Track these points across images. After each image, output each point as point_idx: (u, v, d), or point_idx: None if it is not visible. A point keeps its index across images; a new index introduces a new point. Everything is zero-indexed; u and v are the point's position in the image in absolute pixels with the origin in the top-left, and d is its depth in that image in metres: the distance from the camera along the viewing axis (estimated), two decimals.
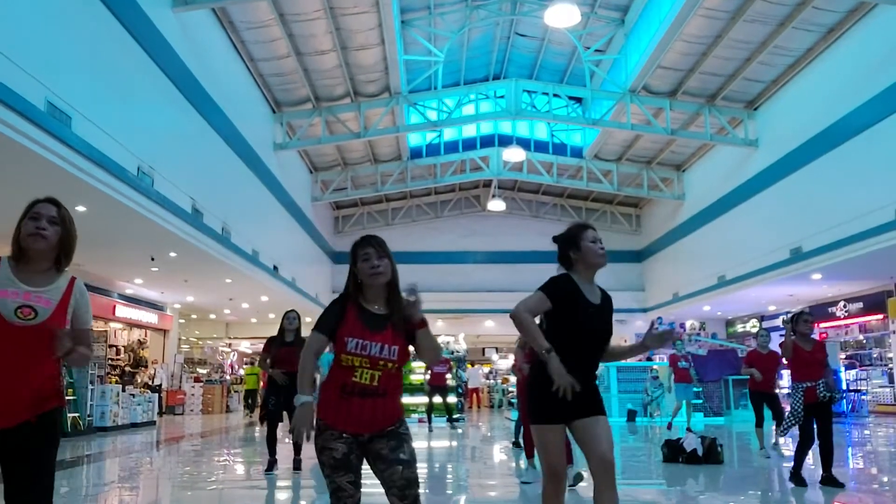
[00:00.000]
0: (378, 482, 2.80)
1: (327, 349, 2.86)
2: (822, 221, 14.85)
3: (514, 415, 16.93)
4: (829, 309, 19.69)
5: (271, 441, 7.58)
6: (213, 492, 6.81)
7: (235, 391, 23.67)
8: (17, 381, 2.55)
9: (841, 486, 6.26)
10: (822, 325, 20.11)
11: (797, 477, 6.47)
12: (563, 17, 13.73)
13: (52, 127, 8.27)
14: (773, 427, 9.40)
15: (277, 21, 14.52)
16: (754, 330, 23.14)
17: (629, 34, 17.70)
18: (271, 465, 7.50)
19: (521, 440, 10.55)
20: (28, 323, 2.56)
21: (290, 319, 7.55)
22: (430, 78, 18.45)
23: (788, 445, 9.26)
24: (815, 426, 6.37)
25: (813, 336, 6.76)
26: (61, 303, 2.66)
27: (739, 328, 24.87)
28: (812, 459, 8.53)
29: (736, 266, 18.79)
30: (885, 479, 7.39)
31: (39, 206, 2.69)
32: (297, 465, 7.56)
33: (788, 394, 6.56)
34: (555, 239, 3.44)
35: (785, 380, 12.75)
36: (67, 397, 11.80)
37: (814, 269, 15.68)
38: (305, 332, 7.49)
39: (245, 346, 29.51)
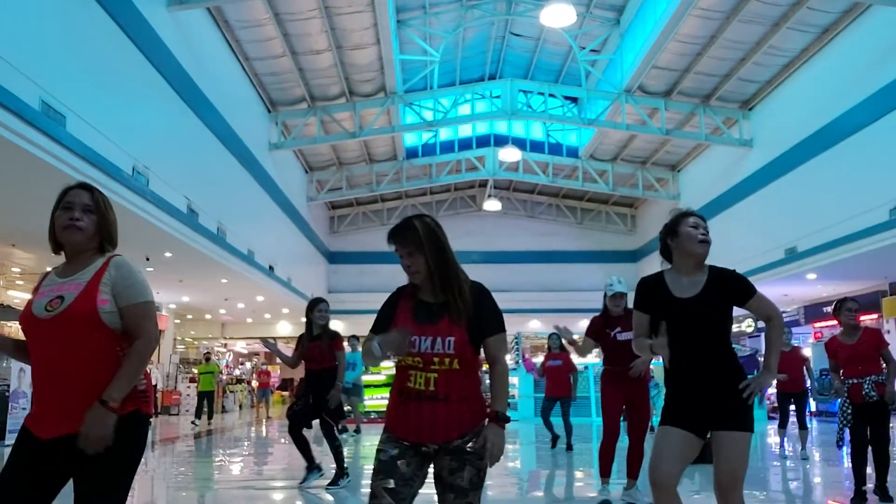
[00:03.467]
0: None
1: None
2: (816, 221, 14.88)
3: (512, 415, 16.93)
4: (824, 309, 19.73)
5: (298, 446, 6.52)
6: (208, 493, 6.78)
7: (231, 391, 23.60)
8: (59, 381, 2.24)
9: (890, 500, 5.45)
10: (817, 325, 20.17)
11: (860, 496, 5.42)
12: (558, 16, 13.73)
13: (47, 126, 8.24)
14: (799, 430, 8.94)
15: (272, 20, 14.49)
16: (749, 329, 23.20)
17: (624, 34, 17.72)
18: (310, 471, 6.53)
19: (556, 432, 10.27)
20: (53, 313, 2.27)
21: (322, 311, 6.44)
22: (425, 78, 18.44)
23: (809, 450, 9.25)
24: (866, 430, 5.53)
25: (859, 326, 5.78)
26: (90, 283, 2.33)
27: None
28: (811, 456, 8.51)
29: (730, 266, 18.32)
30: None
31: (71, 193, 2.46)
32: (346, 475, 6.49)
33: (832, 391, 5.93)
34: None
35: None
36: None
37: (808, 269, 15.72)
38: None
39: (241, 347, 29.47)
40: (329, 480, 6.44)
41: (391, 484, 2.37)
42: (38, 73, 8.28)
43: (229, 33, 14.98)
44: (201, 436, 13.60)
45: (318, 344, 6.37)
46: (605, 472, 5.63)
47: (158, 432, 14.59)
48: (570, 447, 9.88)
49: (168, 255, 13.87)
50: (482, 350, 2.52)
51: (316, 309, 6.45)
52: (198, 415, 17.20)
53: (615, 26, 17.82)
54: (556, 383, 10.32)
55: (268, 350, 6.78)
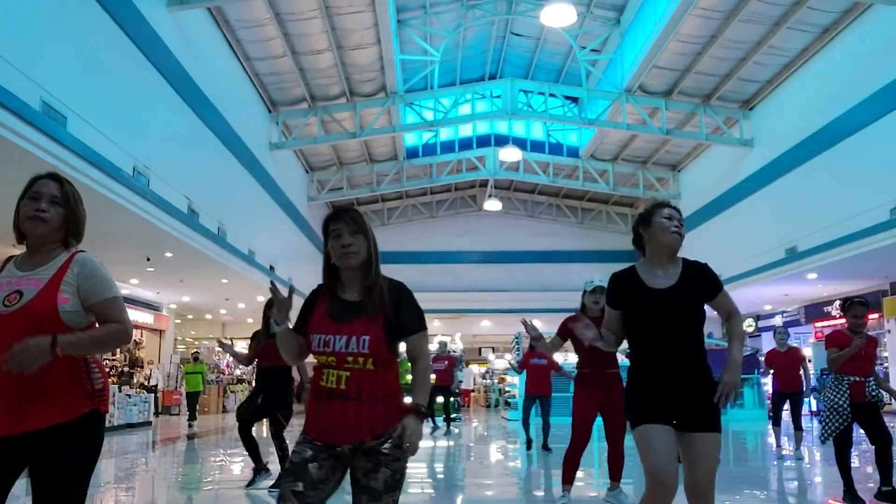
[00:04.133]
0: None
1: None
2: (817, 221, 14.88)
3: (512, 414, 16.88)
4: (825, 308, 19.73)
5: (247, 446, 6.45)
6: (208, 493, 6.79)
7: (232, 391, 23.61)
8: (13, 378, 2.14)
9: None
10: (818, 324, 20.16)
11: (852, 495, 5.33)
12: (558, 16, 13.73)
13: (47, 127, 8.24)
14: (794, 431, 8.86)
15: (273, 20, 14.49)
16: (750, 329, 23.20)
17: (625, 34, 17.72)
18: (258, 470, 6.51)
19: (531, 436, 10.26)
20: (10, 309, 2.18)
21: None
22: (426, 77, 18.44)
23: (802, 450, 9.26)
24: (853, 430, 5.41)
25: (865, 328, 5.59)
26: (52, 281, 2.25)
27: None
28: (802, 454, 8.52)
29: (731, 266, 18.81)
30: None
31: (39, 183, 2.36)
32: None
33: (826, 388, 5.60)
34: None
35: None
36: None
37: (809, 269, 15.71)
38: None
39: (241, 347, 29.47)
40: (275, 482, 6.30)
41: (300, 487, 2.30)
42: (39, 73, 8.28)
43: (230, 33, 14.98)
44: (195, 437, 13.29)
45: (274, 341, 6.24)
46: (568, 480, 5.42)
47: (159, 432, 14.60)
48: (546, 447, 9.80)
49: (168, 255, 13.88)
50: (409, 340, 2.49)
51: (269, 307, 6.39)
52: (192, 415, 17.11)
53: (615, 26, 17.81)
54: (538, 381, 10.30)
55: (222, 350, 6.59)
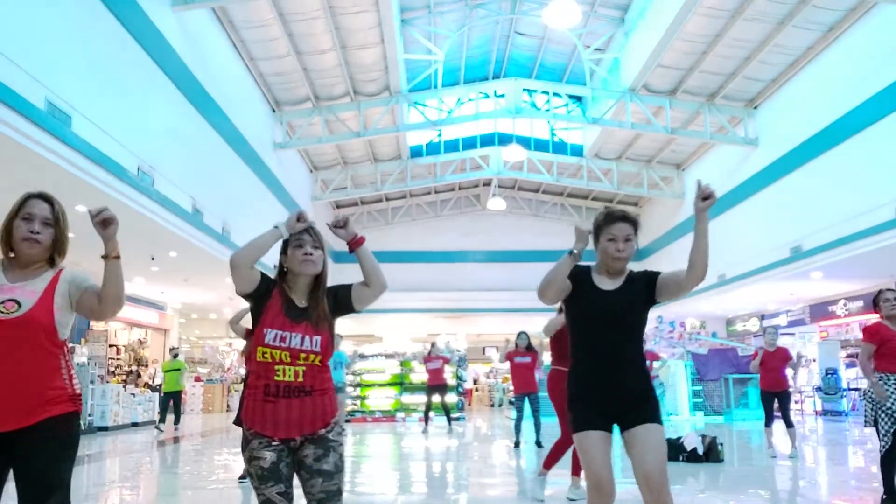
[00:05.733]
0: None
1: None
2: (822, 220, 14.84)
3: (515, 414, 16.90)
4: (830, 307, 19.68)
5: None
6: (213, 491, 6.81)
7: (236, 390, 23.65)
8: (12, 379, 2.35)
9: None
10: (823, 323, 20.11)
11: (893, 500, 5.07)
12: (563, 15, 13.72)
13: (52, 127, 8.27)
14: (787, 429, 8.86)
15: (277, 20, 14.51)
16: (754, 328, 23.16)
17: (629, 33, 17.69)
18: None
19: (520, 439, 10.52)
20: (10, 316, 2.38)
21: None
22: (430, 77, 18.44)
23: (784, 451, 9.23)
24: None
25: None
26: (46, 292, 2.48)
27: (740, 327, 24.85)
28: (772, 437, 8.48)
29: (736, 264, 18.77)
30: None
31: (32, 204, 2.54)
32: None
33: (866, 390, 5.30)
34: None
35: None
36: None
37: (814, 268, 15.67)
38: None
39: (241, 347, 29.52)
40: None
41: (282, 488, 2.57)
42: (44, 73, 8.31)
43: (234, 33, 15.01)
44: (165, 444, 11.94)
45: None
46: (576, 472, 5.60)
47: (163, 431, 14.62)
48: (539, 444, 10.07)
49: (173, 254, 13.91)
50: (355, 295, 2.74)
51: None
52: (162, 418, 15.16)
53: (620, 25, 17.79)
54: (523, 380, 10.48)
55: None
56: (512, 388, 11.81)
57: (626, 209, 3.59)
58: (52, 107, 8.41)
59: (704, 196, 2.87)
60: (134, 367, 19.29)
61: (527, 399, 10.46)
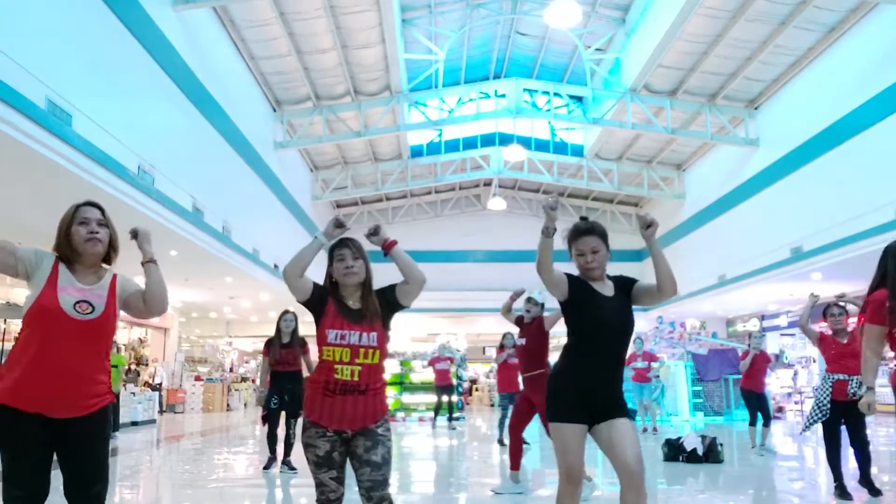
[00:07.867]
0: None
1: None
2: (822, 221, 14.83)
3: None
4: None
5: (272, 439, 7.62)
6: (213, 490, 6.81)
7: (236, 390, 23.64)
8: (79, 373, 2.63)
9: (878, 493, 5.63)
10: (822, 324, 20.07)
11: (841, 489, 5.67)
12: (563, 16, 13.72)
13: (53, 125, 8.27)
14: (762, 426, 9.42)
15: (278, 19, 14.51)
16: (755, 329, 23.14)
17: (630, 33, 17.69)
18: (270, 462, 7.57)
19: (505, 440, 10.55)
20: (86, 317, 2.66)
21: (287, 322, 7.49)
22: (430, 77, 18.44)
23: (773, 444, 9.25)
24: (840, 427, 5.70)
25: (847, 329, 6.20)
26: (110, 297, 2.78)
27: (740, 327, 24.84)
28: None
29: (736, 265, 18.77)
30: (886, 478, 7.38)
31: (84, 210, 2.80)
32: (289, 465, 7.43)
33: (816, 387, 5.98)
34: None
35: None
36: None
37: (814, 269, 15.66)
38: (303, 331, 7.62)
39: (243, 346, 29.51)
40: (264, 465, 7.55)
41: (334, 473, 2.90)
42: (45, 72, 8.31)
43: (235, 32, 15.00)
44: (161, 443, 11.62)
45: (291, 350, 7.40)
46: (514, 465, 6.35)
47: (163, 430, 14.63)
48: (523, 441, 10.04)
49: (173, 253, 13.90)
50: (399, 293, 3.02)
51: (282, 320, 7.49)
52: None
53: (621, 25, 17.78)
54: (509, 380, 10.63)
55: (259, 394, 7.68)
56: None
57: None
58: (53, 105, 8.41)
59: (646, 225, 3.13)
60: (133, 366, 19.28)
61: (513, 398, 10.51)
